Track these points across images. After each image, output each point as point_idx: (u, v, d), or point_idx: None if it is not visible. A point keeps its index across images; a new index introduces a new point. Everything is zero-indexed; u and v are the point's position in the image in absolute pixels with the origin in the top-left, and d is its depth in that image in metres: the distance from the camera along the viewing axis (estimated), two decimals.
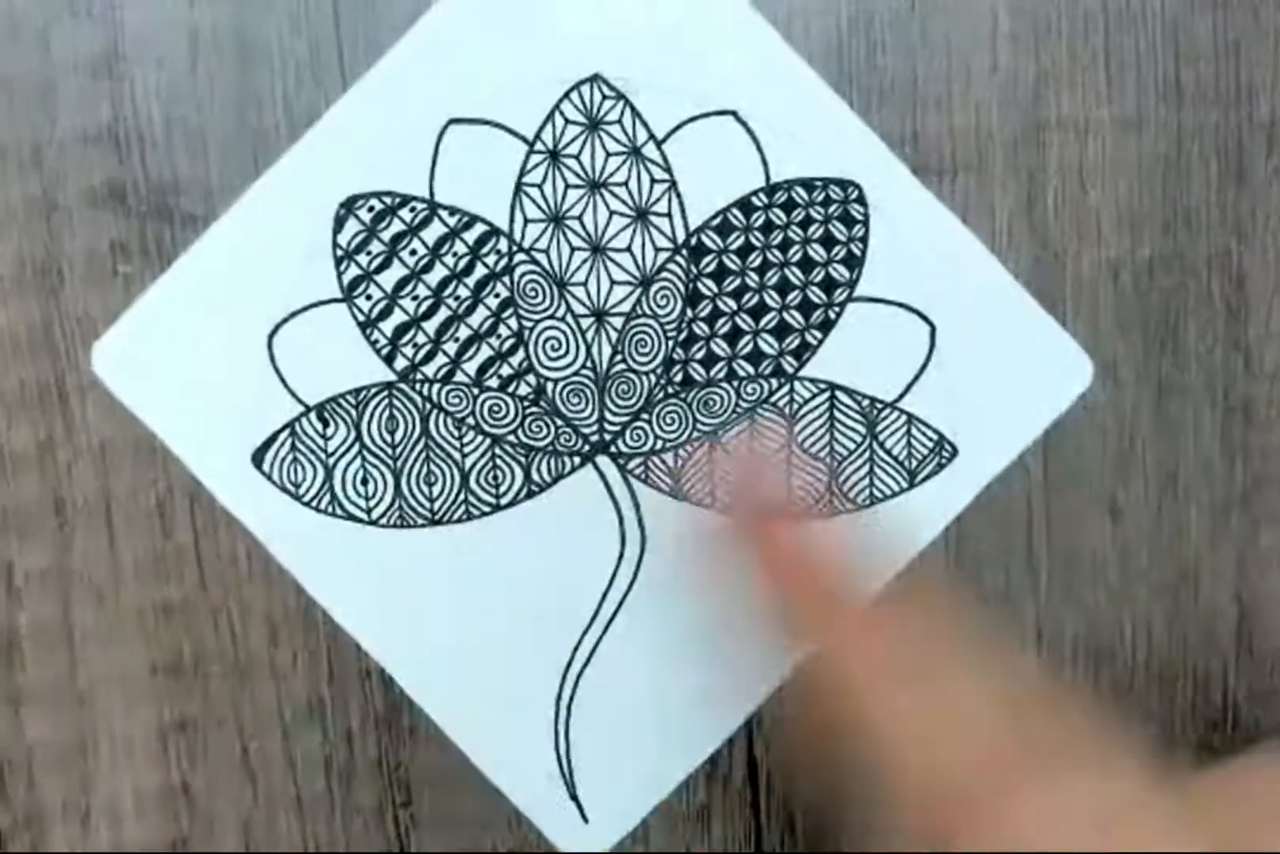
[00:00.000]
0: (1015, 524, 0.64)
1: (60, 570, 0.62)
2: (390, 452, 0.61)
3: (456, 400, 0.61)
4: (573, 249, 0.60)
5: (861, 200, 0.61)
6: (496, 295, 0.60)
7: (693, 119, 0.60)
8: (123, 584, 0.62)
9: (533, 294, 0.60)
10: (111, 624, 0.62)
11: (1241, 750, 0.66)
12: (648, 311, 0.61)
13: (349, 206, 0.60)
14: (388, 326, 0.60)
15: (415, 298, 0.60)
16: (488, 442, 0.61)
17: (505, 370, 0.61)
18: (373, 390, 0.60)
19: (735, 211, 0.60)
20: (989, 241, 0.62)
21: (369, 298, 0.60)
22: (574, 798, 0.64)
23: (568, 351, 0.61)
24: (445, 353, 0.60)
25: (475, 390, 0.61)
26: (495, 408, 0.61)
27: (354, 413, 0.60)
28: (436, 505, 0.61)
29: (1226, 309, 0.64)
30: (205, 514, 0.62)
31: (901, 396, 0.62)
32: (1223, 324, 0.64)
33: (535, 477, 0.62)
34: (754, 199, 0.61)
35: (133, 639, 0.63)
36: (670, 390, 0.61)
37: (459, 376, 0.60)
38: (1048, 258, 0.63)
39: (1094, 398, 0.64)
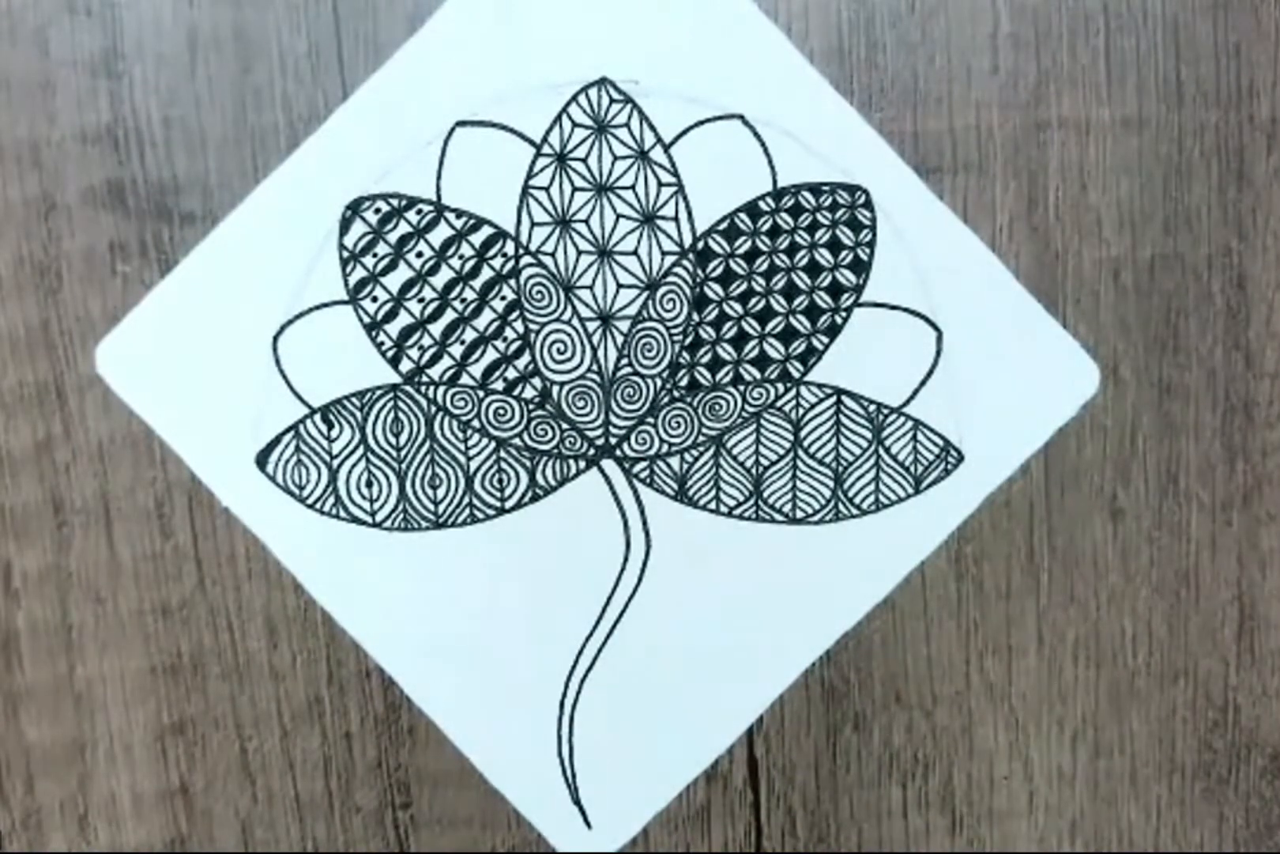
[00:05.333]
0: (1016, 524, 0.64)
1: (59, 571, 0.62)
2: (395, 454, 0.61)
3: (462, 403, 0.60)
4: (579, 252, 0.60)
5: (869, 205, 0.61)
6: (503, 298, 0.60)
7: (700, 123, 0.60)
8: (121, 585, 0.62)
9: (539, 297, 0.60)
10: (110, 625, 0.62)
11: (1241, 750, 0.67)
12: (654, 315, 0.60)
13: (355, 208, 0.59)
14: (393, 328, 0.60)
15: (421, 300, 0.60)
16: (493, 444, 0.61)
17: (511, 373, 0.61)
18: (378, 392, 0.60)
19: (742, 216, 0.60)
20: (989, 241, 0.62)
21: (375, 299, 0.60)
22: (577, 803, 0.64)
23: (574, 355, 0.61)
24: (451, 355, 0.60)
25: (481, 393, 0.60)
26: (501, 411, 0.61)
27: (359, 415, 0.60)
28: (441, 508, 0.61)
29: (1227, 309, 0.64)
30: (204, 514, 0.62)
31: (908, 402, 0.62)
32: (1223, 324, 0.64)
33: (540, 480, 0.61)
34: (761, 203, 0.60)
35: (131, 640, 0.62)
36: (676, 394, 0.61)
37: (464, 379, 0.60)
38: (1048, 258, 0.63)
39: (1095, 398, 0.64)
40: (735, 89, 0.60)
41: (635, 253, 0.60)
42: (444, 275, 0.60)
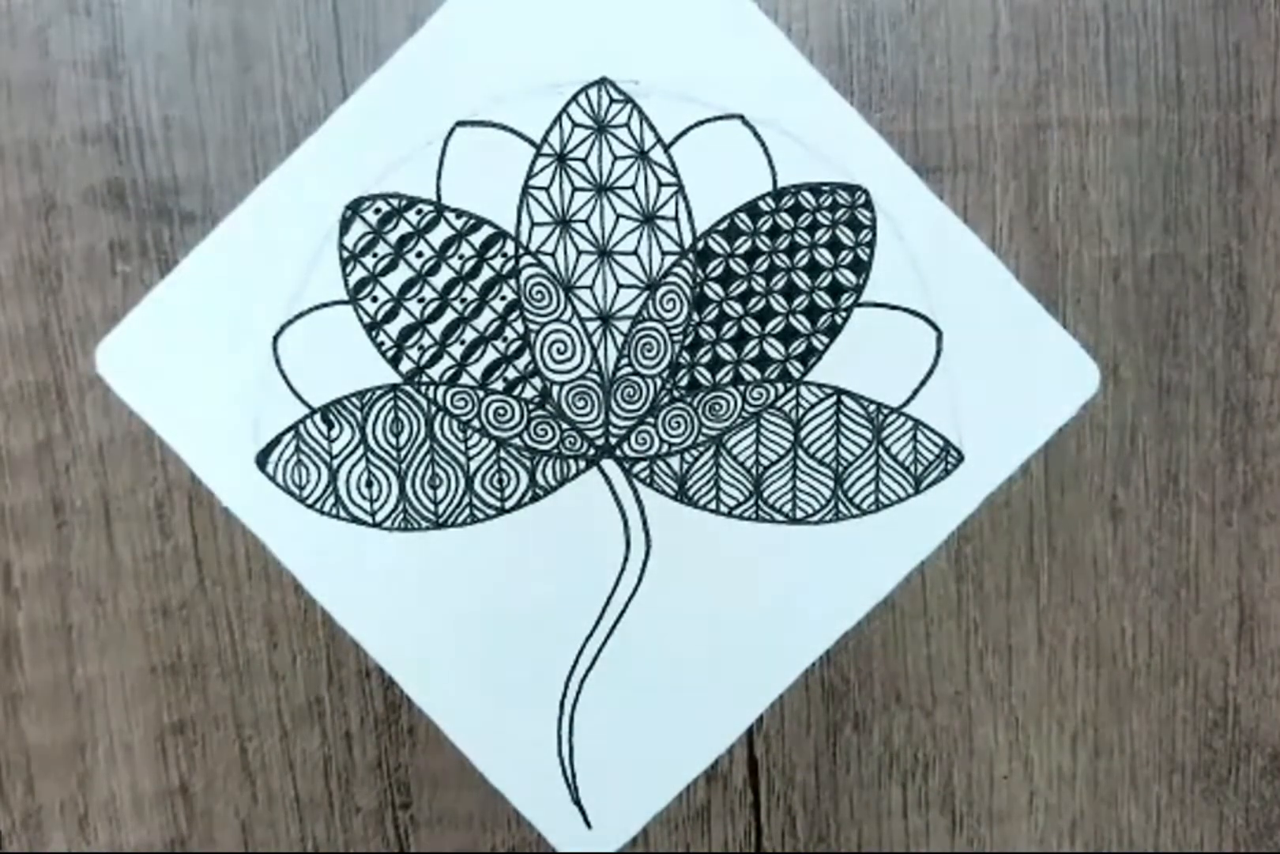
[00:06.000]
0: (1016, 524, 0.64)
1: (59, 571, 0.62)
2: (395, 454, 0.61)
3: (462, 403, 0.60)
4: (579, 252, 0.60)
5: (869, 205, 0.61)
6: (503, 298, 0.60)
7: (700, 123, 0.60)
8: (121, 585, 0.62)
9: (539, 297, 0.60)
10: (110, 625, 0.62)
11: (1241, 750, 0.67)
12: (654, 315, 0.60)
13: (355, 208, 0.59)
14: (393, 328, 0.60)
15: (421, 300, 0.60)
16: (493, 444, 0.61)
17: (511, 373, 0.60)
18: (378, 392, 0.60)
19: (742, 216, 0.60)
20: (989, 241, 0.62)
21: (375, 299, 0.60)
22: (577, 803, 0.64)
23: (574, 355, 0.61)
24: (451, 355, 0.60)
25: (481, 393, 0.60)
26: (500, 411, 0.61)
27: (359, 415, 0.60)
28: (441, 508, 0.61)
29: (1227, 309, 0.64)
30: (204, 514, 0.62)
31: (908, 402, 0.62)
32: (1223, 324, 0.64)
33: (540, 480, 0.61)
34: (761, 203, 0.60)
35: (131, 640, 0.62)
36: (676, 394, 0.61)
37: (464, 379, 0.60)
38: (1048, 258, 0.63)
39: (1095, 398, 0.64)
40: (735, 89, 0.60)
41: (635, 253, 0.60)
42: (444, 275, 0.60)
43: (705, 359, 0.61)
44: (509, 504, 0.62)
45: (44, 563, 0.62)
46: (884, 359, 0.62)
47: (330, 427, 0.60)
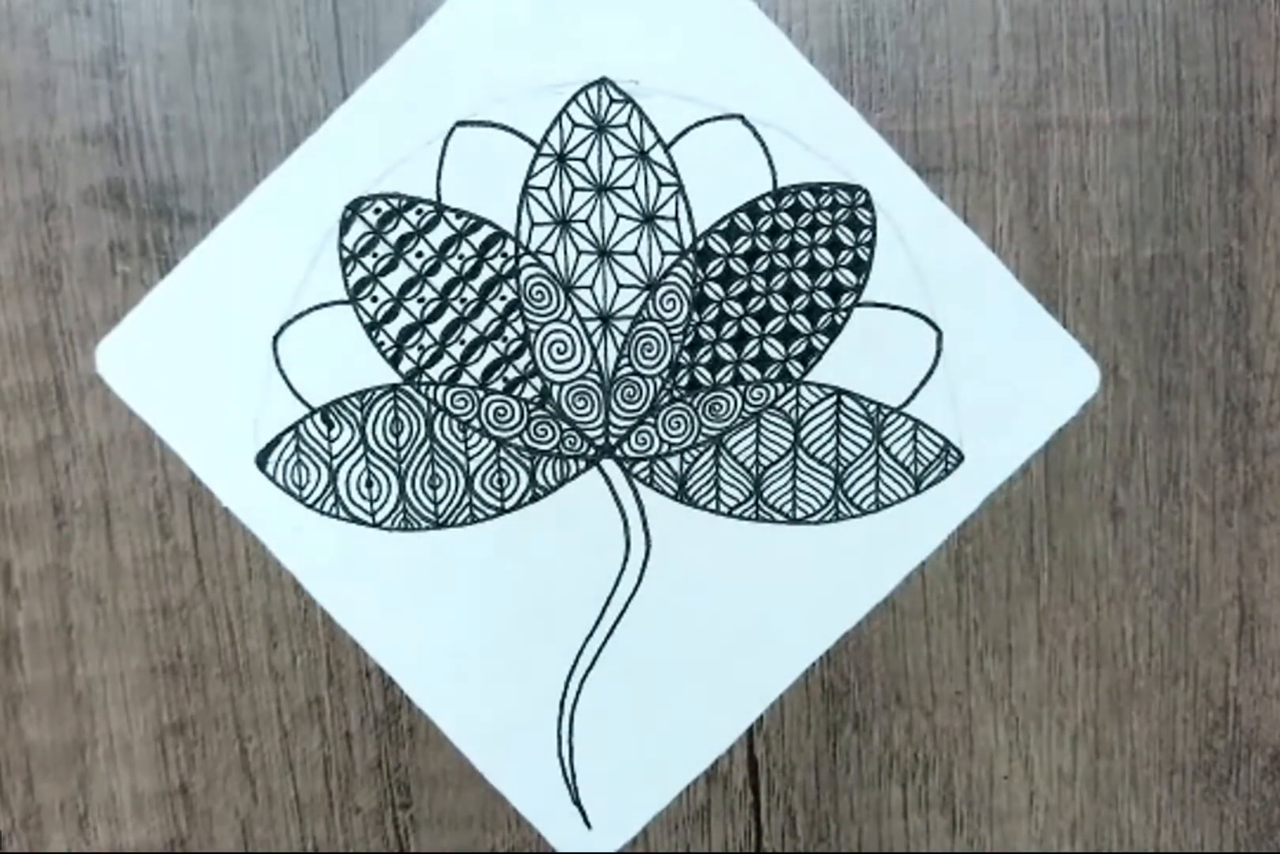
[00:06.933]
0: (1016, 524, 0.64)
1: (59, 571, 0.62)
2: (395, 454, 0.61)
3: (462, 403, 0.60)
4: (579, 252, 0.60)
5: (869, 205, 0.61)
6: (503, 298, 0.60)
7: (700, 123, 0.60)
8: (121, 585, 0.62)
9: (539, 297, 0.60)
10: (110, 625, 0.62)
11: (1241, 751, 0.67)
12: (654, 315, 0.60)
13: (355, 208, 0.59)
14: (393, 328, 0.60)
15: (421, 300, 0.60)
16: (493, 444, 0.61)
17: (511, 373, 0.60)
18: (378, 392, 0.60)
19: (742, 216, 0.60)
20: (989, 241, 0.62)
21: (375, 299, 0.60)
22: (577, 803, 0.64)
23: (574, 355, 0.61)
24: (451, 355, 0.60)
25: (480, 393, 0.60)
26: (500, 411, 0.61)
27: (359, 415, 0.60)
28: (441, 508, 0.61)
29: (1228, 309, 0.64)
30: (204, 514, 0.62)
31: (908, 402, 0.62)
32: (1224, 324, 0.64)
33: (540, 480, 0.61)
34: (761, 203, 0.60)
35: (131, 640, 0.62)
36: (676, 394, 0.61)
37: (464, 379, 0.60)
38: (1048, 258, 0.63)
39: (1095, 398, 0.64)
40: (735, 89, 0.60)
41: (635, 253, 0.60)
42: (444, 275, 0.60)
43: (705, 359, 0.61)
44: (509, 504, 0.62)
45: (44, 563, 0.62)
46: (884, 359, 0.62)
47: (330, 427, 0.60)
